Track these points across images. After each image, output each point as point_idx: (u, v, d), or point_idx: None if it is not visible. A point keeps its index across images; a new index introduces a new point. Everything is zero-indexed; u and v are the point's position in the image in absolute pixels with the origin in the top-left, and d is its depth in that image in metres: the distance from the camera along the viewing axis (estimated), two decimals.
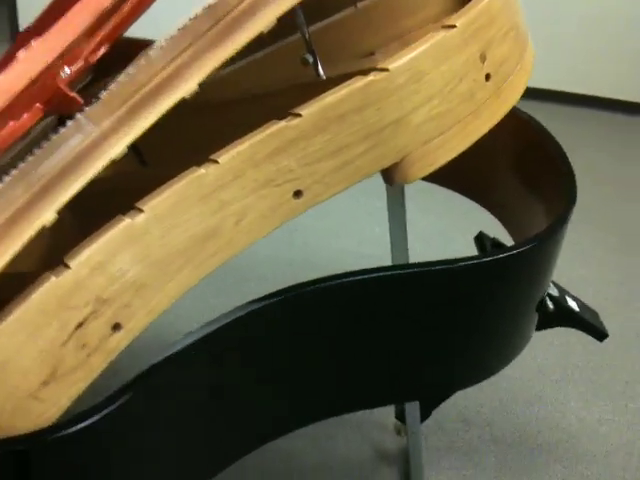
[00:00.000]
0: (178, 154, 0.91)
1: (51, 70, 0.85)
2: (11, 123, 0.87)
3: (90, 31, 0.87)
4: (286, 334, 0.83)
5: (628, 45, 3.34)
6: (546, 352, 2.01)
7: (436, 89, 0.81)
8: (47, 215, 0.65)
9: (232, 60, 0.85)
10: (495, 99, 0.88)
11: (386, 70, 0.78)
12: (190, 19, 0.95)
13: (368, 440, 1.66)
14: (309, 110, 0.77)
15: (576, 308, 1.35)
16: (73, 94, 0.91)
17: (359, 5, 1.18)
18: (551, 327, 1.32)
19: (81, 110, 0.86)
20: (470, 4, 0.86)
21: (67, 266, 0.66)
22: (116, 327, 0.70)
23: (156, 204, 0.72)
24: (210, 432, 0.79)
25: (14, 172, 0.80)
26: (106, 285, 0.69)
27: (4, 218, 0.72)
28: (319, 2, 1.16)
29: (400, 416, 1.56)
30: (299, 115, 0.77)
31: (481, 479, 1.62)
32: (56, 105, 0.92)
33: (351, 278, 0.83)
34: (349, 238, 2.25)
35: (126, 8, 0.98)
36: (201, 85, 0.74)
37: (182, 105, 0.77)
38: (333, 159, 0.79)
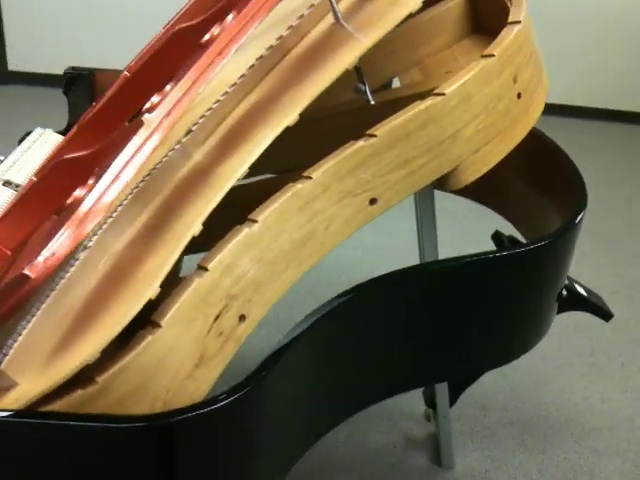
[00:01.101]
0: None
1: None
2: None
3: None
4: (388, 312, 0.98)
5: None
6: (548, 342, 2.17)
7: (481, 107, 0.97)
8: (195, 227, 0.79)
9: None
10: (525, 113, 1.05)
11: (442, 94, 0.94)
12: (257, 59, 1.10)
13: (398, 429, 1.81)
14: (382, 130, 0.92)
15: (585, 293, 1.52)
16: None
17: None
18: (564, 311, 1.49)
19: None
20: (502, 35, 1.02)
21: (205, 269, 0.80)
22: (242, 318, 0.84)
23: (267, 215, 0.86)
24: (321, 404, 0.93)
25: (130, 195, 0.94)
26: (233, 284, 0.83)
27: (138, 231, 0.86)
28: None
29: (430, 403, 1.71)
30: (374, 135, 0.92)
31: (503, 458, 1.78)
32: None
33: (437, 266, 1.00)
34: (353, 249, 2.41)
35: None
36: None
37: None
38: (401, 170, 0.94)
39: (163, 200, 0.91)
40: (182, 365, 0.77)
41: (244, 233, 0.84)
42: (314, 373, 0.94)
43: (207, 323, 0.80)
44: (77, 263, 0.83)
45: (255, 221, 0.85)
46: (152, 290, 0.73)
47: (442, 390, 1.60)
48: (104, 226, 0.89)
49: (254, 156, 0.84)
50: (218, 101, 1.04)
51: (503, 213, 1.50)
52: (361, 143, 0.92)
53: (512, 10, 1.09)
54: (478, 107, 0.97)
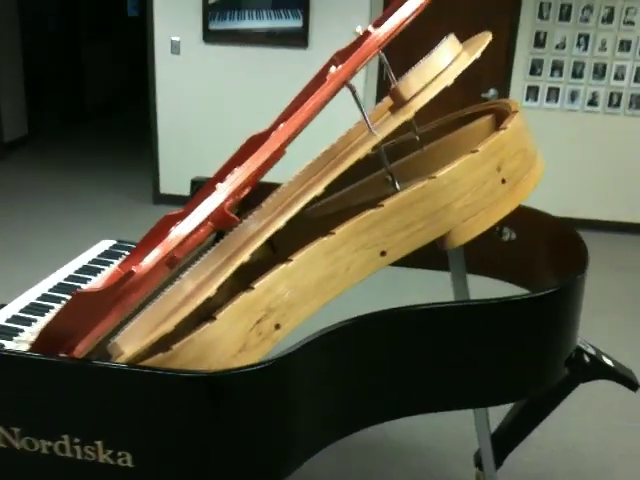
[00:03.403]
0: (295, 246, 1.41)
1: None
2: (194, 235, 1.43)
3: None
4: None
5: None
6: (613, 433, 2.28)
7: (467, 188, 1.31)
8: (244, 257, 1.18)
9: (337, 189, 1.37)
10: (509, 195, 1.36)
11: (434, 177, 1.29)
12: (315, 159, 1.52)
13: None
14: (388, 202, 1.28)
15: (610, 363, 1.71)
16: (233, 215, 1.47)
17: (426, 147, 1.71)
18: (590, 380, 1.68)
19: (236, 226, 1.40)
20: (489, 137, 1.37)
21: (252, 288, 1.18)
22: (277, 326, 1.19)
23: (300, 257, 1.23)
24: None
25: (214, 247, 1.35)
26: (272, 301, 1.19)
27: (215, 266, 1.26)
28: (397, 148, 1.71)
29: (479, 464, 1.90)
30: (382, 205, 1.28)
31: None
32: (221, 223, 1.49)
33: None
34: None
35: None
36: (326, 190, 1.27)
37: (298, 219, 1.28)
38: (404, 231, 1.29)
39: (233, 250, 1.31)
40: (229, 348, 1.13)
41: (282, 267, 1.22)
42: (330, 371, 1.24)
43: (250, 324, 1.16)
44: (172, 287, 1.24)
45: (291, 260, 1.23)
46: (210, 291, 1.12)
47: (487, 452, 1.81)
48: (194, 266, 1.30)
49: (288, 218, 1.24)
50: (283, 188, 1.46)
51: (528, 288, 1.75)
52: (372, 210, 1.28)
53: (505, 120, 1.44)
54: (465, 187, 1.31)
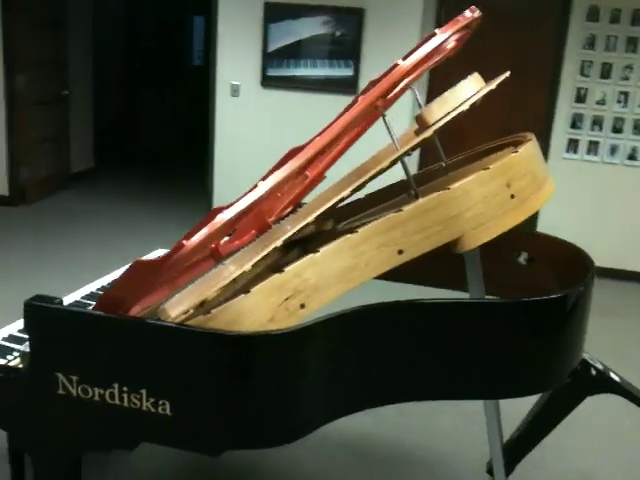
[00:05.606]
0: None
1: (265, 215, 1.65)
2: (237, 242, 1.65)
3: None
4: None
5: None
6: (628, 461, 2.35)
7: (477, 200, 1.48)
8: (278, 243, 1.38)
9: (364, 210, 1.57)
10: (517, 209, 1.53)
11: (449, 189, 1.47)
12: (348, 174, 1.72)
13: None
14: (407, 207, 1.47)
15: (617, 379, 1.83)
16: (270, 222, 1.69)
17: (451, 173, 1.89)
18: (596, 392, 1.80)
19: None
20: (502, 158, 1.54)
21: (283, 271, 1.37)
22: (302, 306, 1.38)
23: (326, 249, 1.42)
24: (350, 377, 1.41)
25: (255, 241, 1.56)
26: (299, 284, 1.38)
27: (248, 260, 1.46)
28: (426, 176, 1.89)
29: (490, 471, 2.01)
30: (401, 210, 1.46)
31: None
32: (262, 229, 1.70)
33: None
34: None
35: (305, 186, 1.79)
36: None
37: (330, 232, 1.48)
38: (420, 234, 1.47)
39: (265, 245, 1.51)
40: (260, 317, 1.32)
41: (310, 256, 1.41)
42: (340, 351, 1.41)
43: (280, 300, 1.35)
44: (215, 269, 1.45)
45: (318, 251, 1.42)
46: (246, 267, 1.32)
47: (497, 459, 1.92)
48: (236, 255, 1.51)
49: (315, 215, 1.44)
50: (319, 196, 1.67)
51: None
52: (392, 214, 1.47)
53: (519, 146, 1.61)
54: (475, 199, 1.48)
